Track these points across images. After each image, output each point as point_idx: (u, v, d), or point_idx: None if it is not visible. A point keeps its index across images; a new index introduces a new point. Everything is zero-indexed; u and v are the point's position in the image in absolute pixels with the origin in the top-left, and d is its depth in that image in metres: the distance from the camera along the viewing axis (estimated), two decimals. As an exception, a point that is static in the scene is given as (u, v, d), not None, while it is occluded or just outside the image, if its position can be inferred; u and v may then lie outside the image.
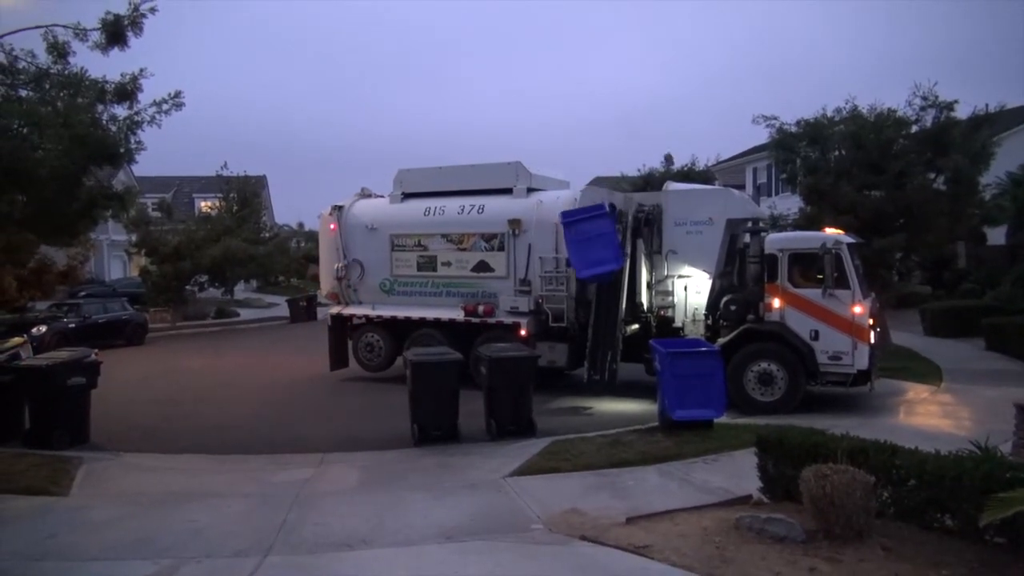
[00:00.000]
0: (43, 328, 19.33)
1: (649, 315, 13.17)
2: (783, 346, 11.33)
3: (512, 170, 14.23)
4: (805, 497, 5.72)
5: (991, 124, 17.19)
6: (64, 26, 9.52)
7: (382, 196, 15.88)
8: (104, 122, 9.49)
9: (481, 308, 13.89)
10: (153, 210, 30.54)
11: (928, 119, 16.97)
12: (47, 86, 9.36)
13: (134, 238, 28.76)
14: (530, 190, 14.15)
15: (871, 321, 11.20)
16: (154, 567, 5.66)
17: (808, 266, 11.51)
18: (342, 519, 6.77)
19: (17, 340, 11.93)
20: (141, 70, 9.90)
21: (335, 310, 15.69)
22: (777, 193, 31.01)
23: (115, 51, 9.65)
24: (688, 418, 9.54)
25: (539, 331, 13.41)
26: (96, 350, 10.69)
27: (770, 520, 5.81)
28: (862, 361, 11.01)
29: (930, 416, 10.70)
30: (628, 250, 12.68)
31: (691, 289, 12.77)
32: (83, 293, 27.99)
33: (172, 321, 27.69)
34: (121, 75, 9.86)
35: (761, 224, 13.22)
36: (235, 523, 6.74)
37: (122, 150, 9.48)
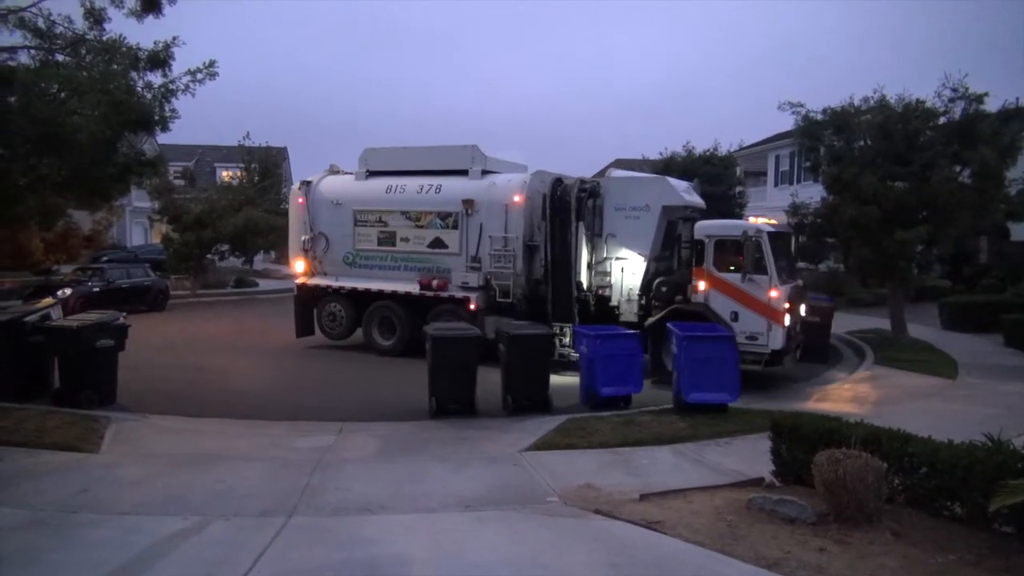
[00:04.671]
0: (68, 291, 19.68)
1: (588, 294, 14.00)
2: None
3: (468, 153, 15.02)
4: (817, 480, 5.84)
5: (1022, 118, 16.94)
6: (101, -9, 9.69)
7: (349, 173, 16.54)
8: (139, 89, 9.67)
9: (435, 283, 14.68)
10: (176, 178, 30.81)
11: (957, 111, 16.72)
12: (83, 52, 9.54)
13: (157, 205, 29.03)
14: (485, 172, 14.84)
15: (787, 305, 12.13)
16: (184, 523, 5.88)
17: (731, 252, 12.42)
18: (363, 485, 6.97)
19: (48, 301, 12.23)
20: (174, 38, 10.03)
21: (300, 280, 16.45)
22: (799, 181, 30.75)
23: (150, 19, 9.85)
24: (702, 401, 9.69)
25: (488, 305, 14.24)
26: (124, 313, 10.94)
27: (781, 501, 5.94)
28: (776, 342, 11.95)
29: (943, 409, 10.74)
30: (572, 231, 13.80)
31: (627, 271, 13.66)
32: (105, 258, 28.36)
33: (192, 289, 28.05)
34: (154, 43, 10.00)
35: (695, 212, 14.01)
36: (260, 485, 6.95)
37: (157, 117, 9.66)
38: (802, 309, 13.20)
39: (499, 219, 14.22)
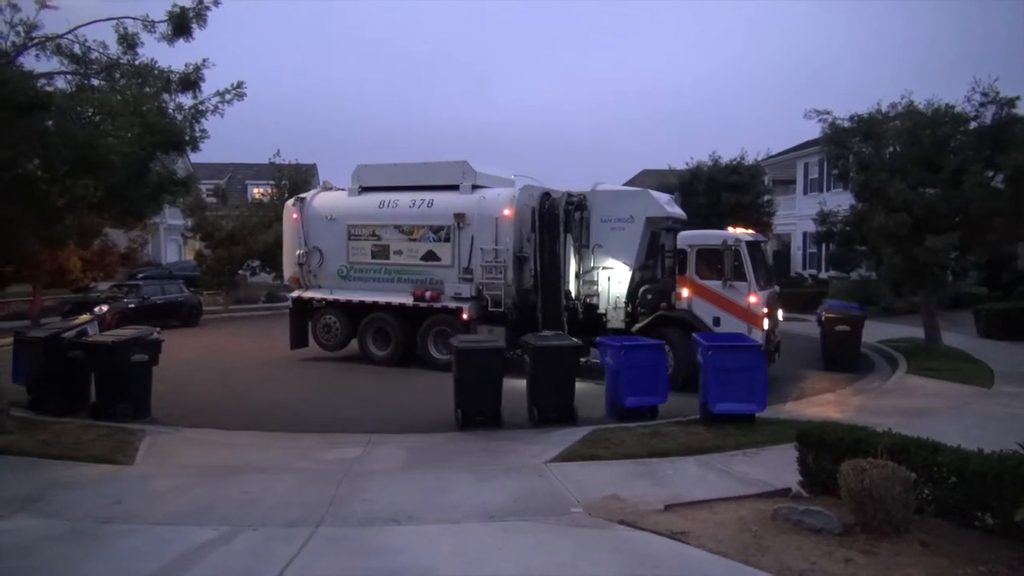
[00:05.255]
0: (104, 308, 20.16)
1: (577, 302, 14.55)
2: (689, 330, 12.46)
3: (459, 168, 15.51)
4: (843, 490, 5.78)
5: (1055, 122, 16.62)
6: (134, 18, 9.97)
7: (342, 189, 17.09)
8: (171, 111, 9.94)
9: (428, 294, 15.18)
10: (208, 195, 31.40)
11: (988, 115, 16.46)
12: (117, 75, 9.84)
13: (190, 223, 29.60)
14: (475, 187, 15.32)
15: (765, 310, 12.88)
16: (214, 533, 6.00)
17: (712, 260, 13.17)
18: (390, 496, 7.05)
19: (85, 317, 12.54)
20: (204, 60, 10.28)
21: (296, 293, 16.95)
22: (829, 189, 30.41)
23: (180, 42, 10.12)
24: (729, 411, 9.63)
25: (480, 315, 14.74)
26: (158, 329, 11.20)
27: (807, 512, 5.89)
28: None
29: (977, 418, 10.53)
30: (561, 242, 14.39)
31: (614, 279, 14.25)
32: (141, 275, 28.99)
33: (225, 304, 28.51)
34: (185, 65, 10.27)
35: (677, 223, 14.86)
36: (288, 496, 7.06)
37: (188, 138, 9.92)
38: (778, 313, 14.05)
39: (490, 232, 14.72)
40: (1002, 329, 18.45)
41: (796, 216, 34.08)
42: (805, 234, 33.54)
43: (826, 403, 11.94)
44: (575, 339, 11.17)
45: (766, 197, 31.67)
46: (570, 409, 10.21)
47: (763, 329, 12.63)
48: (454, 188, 15.39)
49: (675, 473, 7.86)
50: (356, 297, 16.01)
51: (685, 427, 9.70)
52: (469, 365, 9.94)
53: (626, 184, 47.56)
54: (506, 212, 14.61)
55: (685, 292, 13.33)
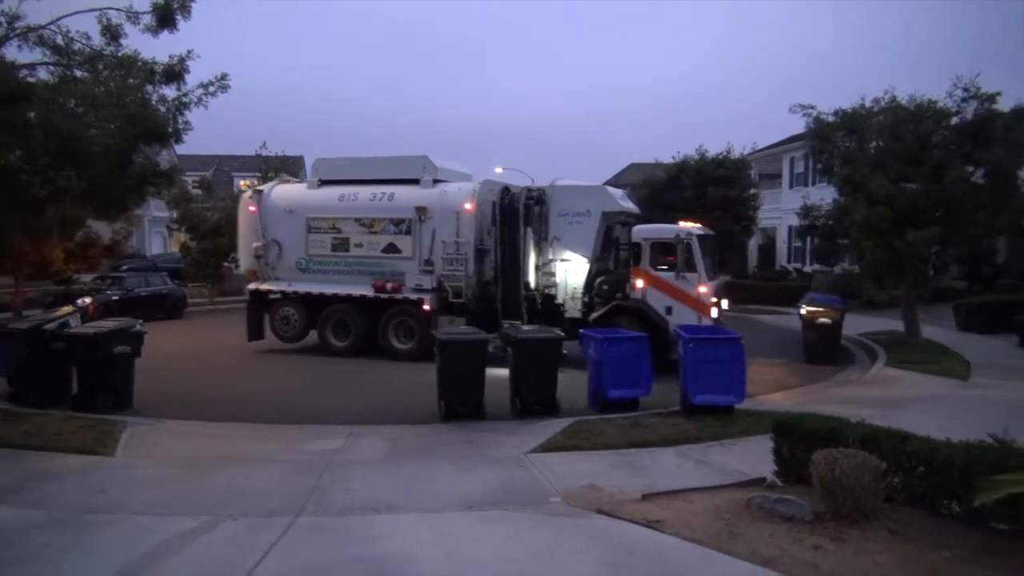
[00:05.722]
0: (88, 300, 20.05)
1: (535, 293, 15.18)
2: (644, 319, 13.62)
3: (420, 163, 15.85)
4: (815, 479, 5.90)
5: (1035, 117, 16.82)
6: (118, 9, 9.99)
7: (300, 182, 17.50)
8: (154, 103, 9.93)
9: (389, 285, 15.51)
10: (194, 187, 31.23)
11: (969, 111, 16.63)
12: (100, 67, 9.82)
13: (175, 214, 29.45)
14: (436, 181, 15.66)
15: (714, 299, 13.90)
16: (194, 522, 6.05)
17: (665, 253, 14.10)
18: (371, 486, 7.12)
19: (67, 309, 12.49)
20: (188, 52, 10.29)
21: (253, 286, 16.97)
22: (813, 183, 30.60)
23: (164, 34, 10.11)
24: (709, 403, 9.74)
25: (441, 306, 15.21)
26: (141, 320, 11.19)
27: (780, 500, 6.01)
28: None
29: (952, 410, 10.70)
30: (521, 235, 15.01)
31: (571, 271, 14.95)
32: (125, 267, 28.82)
33: (210, 296, 28.43)
34: (169, 56, 10.27)
35: (630, 218, 15.66)
36: (269, 486, 7.12)
37: (171, 130, 9.94)
38: (724, 303, 14.93)
39: (451, 225, 15.10)
40: (981, 322, 18.71)
41: (782, 210, 34.29)
42: (790, 228, 33.78)
43: (805, 395, 12.09)
44: (558, 331, 11.26)
45: (752, 191, 31.92)
46: (552, 401, 10.29)
47: (711, 317, 13.59)
48: (415, 182, 15.70)
49: (653, 463, 7.97)
50: (316, 289, 16.16)
51: (665, 418, 9.80)
52: (452, 357, 10.00)
53: (613, 178, 47.85)
54: (467, 206, 15.06)
55: (640, 283, 14.21)
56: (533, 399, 10.25)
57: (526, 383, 10.30)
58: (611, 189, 16.34)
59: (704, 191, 29.12)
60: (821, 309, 15.71)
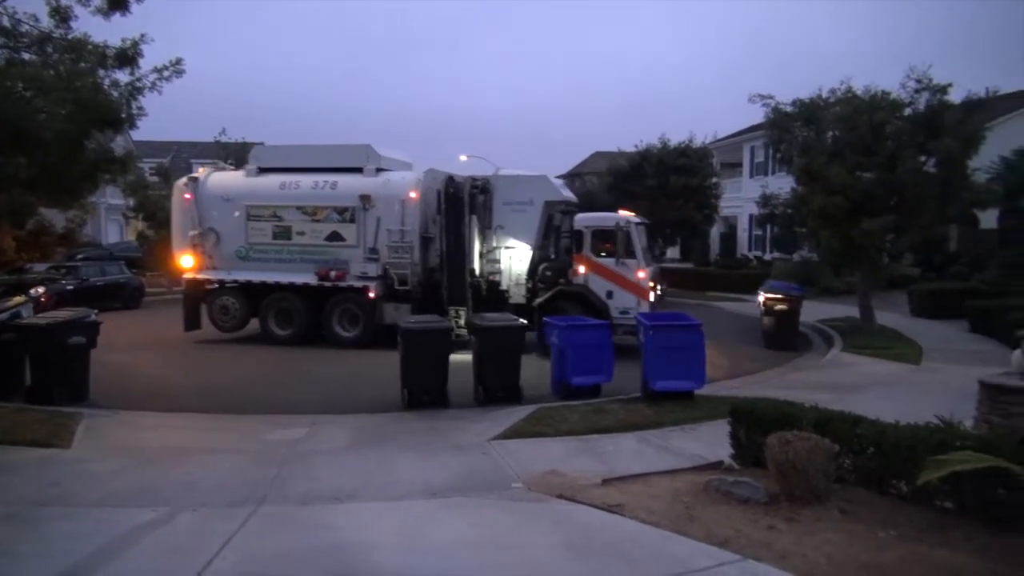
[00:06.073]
0: (41, 289, 19.52)
1: (480, 279, 15.49)
2: (585, 303, 14.24)
3: (363, 151, 15.98)
4: (769, 462, 6.05)
5: (984, 109, 17.28)
6: (67, -11, 9.68)
7: (236, 170, 17.43)
8: (106, 87, 9.69)
9: (333, 273, 15.59)
10: (151, 175, 30.59)
11: (921, 102, 17.04)
12: (49, 50, 9.54)
13: (132, 202, 28.83)
14: (379, 170, 15.80)
15: (652, 284, 14.67)
16: (152, 514, 5.97)
17: (605, 240, 14.68)
18: (333, 475, 7.10)
19: (19, 299, 12.20)
20: (142, 35, 10.06)
21: (189, 275, 16.74)
22: (773, 173, 31.09)
23: (116, 16, 9.84)
24: (669, 389, 9.87)
25: (386, 293, 15.41)
26: (96, 311, 10.97)
27: (736, 483, 6.14)
28: None
29: (905, 393, 11.01)
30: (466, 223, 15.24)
31: (515, 258, 15.45)
32: (80, 256, 28.15)
33: (168, 286, 27.87)
34: (122, 40, 10.01)
35: (571, 206, 16.25)
36: (229, 477, 7.05)
37: (124, 115, 9.71)
38: (658, 288, 15.56)
39: (396, 213, 15.28)
40: (933, 308, 19.25)
41: (743, 199, 34.79)
42: (751, 216, 34.31)
43: (764, 380, 12.31)
44: (522, 319, 11.31)
45: (713, 180, 32.25)
46: (516, 388, 10.35)
47: (650, 301, 14.34)
48: (358, 171, 15.74)
49: (615, 449, 8.07)
50: (258, 278, 16.06)
51: (627, 404, 9.92)
52: (415, 345, 9.99)
53: (578, 166, 48.00)
54: (412, 194, 15.27)
55: (582, 269, 14.77)
56: (497, 386, 10.29)
57: (490, 371, 10.34)
58: (552, 178, 16.77)
59: (667, 180, 29.37)
60: (779, 296, 16.01)
